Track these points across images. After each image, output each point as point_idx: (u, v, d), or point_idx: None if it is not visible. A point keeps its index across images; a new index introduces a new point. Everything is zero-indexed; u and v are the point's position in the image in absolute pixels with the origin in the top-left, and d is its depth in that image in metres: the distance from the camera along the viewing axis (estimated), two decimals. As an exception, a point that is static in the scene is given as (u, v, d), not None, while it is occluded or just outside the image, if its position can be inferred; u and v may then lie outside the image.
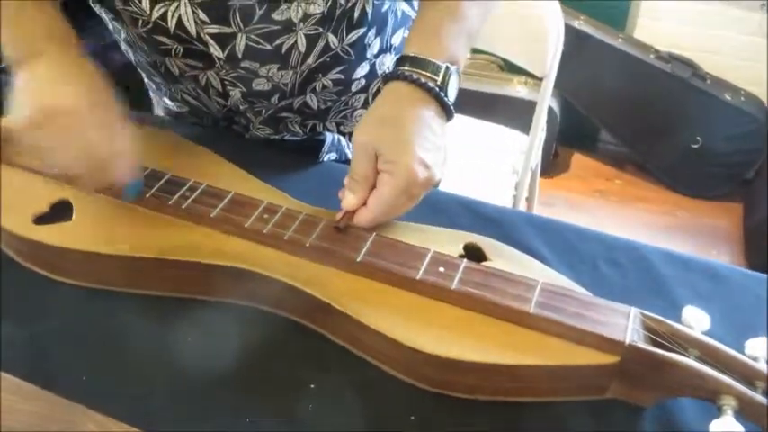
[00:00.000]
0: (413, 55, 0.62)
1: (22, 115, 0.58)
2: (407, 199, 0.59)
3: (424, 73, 0.61)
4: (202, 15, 0.66)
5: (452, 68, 0.62)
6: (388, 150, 0.58)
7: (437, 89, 0.60)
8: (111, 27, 0.79)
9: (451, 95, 0.62)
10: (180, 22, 0.67)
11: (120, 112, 0.62)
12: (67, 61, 0.61)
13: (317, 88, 0.77)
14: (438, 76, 0.61)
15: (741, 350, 0.51)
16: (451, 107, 0.62)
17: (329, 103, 0.81)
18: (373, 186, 0.59)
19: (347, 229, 0.59)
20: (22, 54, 0.60)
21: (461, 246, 0.60)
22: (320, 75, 0.75)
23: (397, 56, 0.81)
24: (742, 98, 1.96)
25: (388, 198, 0.58)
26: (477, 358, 0.51)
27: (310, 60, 0.73)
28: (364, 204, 0.60)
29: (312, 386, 0.54)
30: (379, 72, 0.82)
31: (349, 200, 0.60)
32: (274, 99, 0.76)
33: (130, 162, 0.61)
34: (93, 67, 0.62)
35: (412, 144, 0.58)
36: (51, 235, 0.61)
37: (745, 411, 0.48)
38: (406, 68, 0.61)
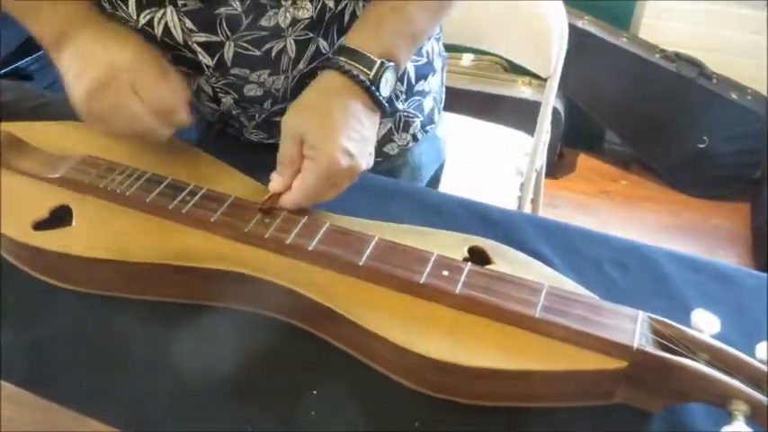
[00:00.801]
0: (350, 47, 0.63)
1: (82, 85, 0.61)
2: (330, 186, 0.61)
3: (357, 66, 0.62)
4: (189, 23, 0.66)
5: (388, 65, 0.63)
6: (312, 137, 0.60)
7: (368, 83, 0.62)
8: None
9: (384, 91, 0.64)
10: (167, 30, 0.67)
11: (166, 59, 0.66)
12: (110, 27, 0.66)
13: None
14: (371, 70, 0.62)
15: (752, 354, 0.50)
16: (383, 101, 0.64)
17: None
18: (299, 171, 0.61)
19: (270, 211, 0.61)
20: (62, 32, 0.63)
21: (465, 249, 0.59)
22: (312, 79, 0.75)
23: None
24: (748, 97, 1.95)
25: (311, 183, 0.60)
26: (481, 363, 0.50)
27: (301, 65, 0.72)
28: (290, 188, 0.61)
29: (315, 392, 0.53)
30: None
31: (275, 182, 0.62)
32: (267, 104, 0.76)
33: (187, 104, 0.66)
34: (132, 29, 0.66)
35: (337, 133, 0.60)
36: (51, 241, 0.60)
37: (757, 417, 0.47)
38: (342, 59, 0.63)
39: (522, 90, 2.04)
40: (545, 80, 1.25)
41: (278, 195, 0.61)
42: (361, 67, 0.62)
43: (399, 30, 0.65)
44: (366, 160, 0.62)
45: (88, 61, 0.62)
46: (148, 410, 0.52)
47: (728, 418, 0.47)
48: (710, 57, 1.98)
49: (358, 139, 0.61)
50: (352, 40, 0.64)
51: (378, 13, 0.66)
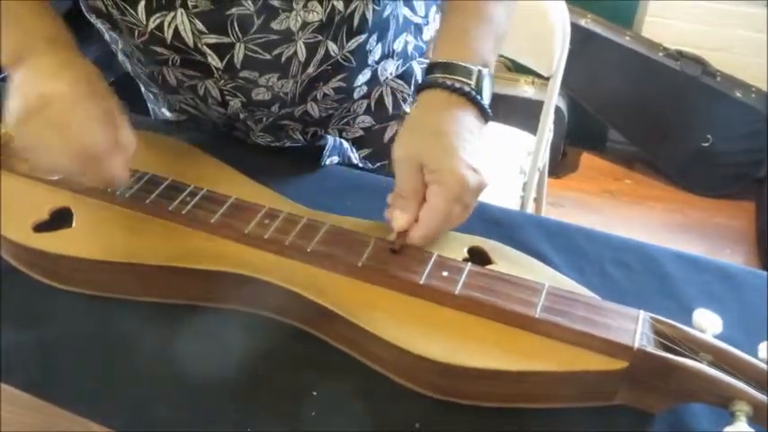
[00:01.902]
0: (444, 61, 0.61)
1: (11, 112, 0.57)
2: (461, 208, 0.57)
3: (458, 78, 0.59)
4: (200, 25, 0.66)
5: (485, 71, 0.61)
6: (432, 160, 0.56)
7: (473, 92, 0.59)
8: (107, 37, 0.78)
9: (486, 98, 0.60)
10: (177, 33, 0.67)
11: (118, 107, 0.60)
12: (63, 56, 0.60)
13: (318, 97, 0.76)
14: (471, 79, 0.59)
15: (754, 354, 0.49)
16: (488, 109, 0.61)
17: (330, 111, 0.80)
18: (423, 201, 0.57)
19: (402, 249, 0.57)
20: (18, 53, 0.60)
21: (465, 249, 0.59)
22: (321, 83, 0.75)
23: (400, 60, 0.81)
24: (752, 95, 1.94)
25: (442, 209, 0.56)
26: (481, 364, 0.50)
27: (311, 69, 0.72)
28: (416, 221, 0.57)
29: (314, 393, 0.53)
30: (381, 78, 0.81)
31: (400, 218, 0.57)
32: (275, 108, 0.76)
33: (126, 158, 0.60)
34: (90, 65, 0.61)
35: (457, 149, 0.56)
36: (51, 242, 0.60)
37: (759, 417, 0.46)
38: (439, 75, 0.60)
39: (525, 89, 2.04)
40: (548, 79, 1.24)
41: (406, 233, 0.57)
42: (461, 79, 0.59)
43: (485, 33, 0.63)
44: (487, 173, 0.58)
45: (24, 88, 0.58)
46: (149, 412, 0.52)
47: (731, 418, 0.46)
48: (714, 55, 1.97)
49: (476, 152, 0.57)
50: (442, 53, 0.62)
51: (460, 22, 0.64)
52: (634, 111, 2.09)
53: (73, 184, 0.60)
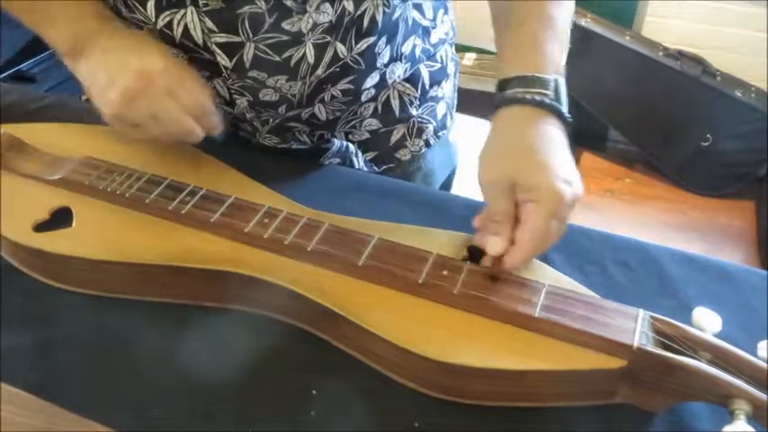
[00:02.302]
0: (520, 75, 0.58)
1: (114, 95, 0.60)
2: (558, 224, 0.54)
3: (537, 90, 0.57)
4: (210, 24, 0.65)
5: (561, 80, 0.59)
6: (526, 178, 0.54)
7: (555, 103, 0.57)
8: None
9: (564, 106, 0.58)
10: (186, 31, 0.66)
11: (187, 65, 0.66)
12: (128, 34, 0.65)
13: (326, 98, 0.76)
14: (549, 89, 0.58)
15: (754, 352, 0.49)
16: (568, 117, 0.58)
17: (338, 113, 0.80)
18: (516, 223, 0.55)
19: (501, 274, 0.55)
20: (80, 41, 0.63)
21: (465, 248, 0.59)
22: (329, 85, 0.74)
23: (408, 63, 0.80)
24: (753, 95, 1.94)
25: (540, 227, 0.53)
26: (480, 364, 0.50)
27: (319, 71, 0.71)
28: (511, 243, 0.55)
29: (314, 392, 0.53)
30: (389, 81, 0.80)
31: (496, 244, 0.54)
32: (282, 109, 0.75)
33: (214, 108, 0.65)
34: (147, 35, 0.66)
35: (549, 164, 0.54)
36: (51, 242, 0.60)
37: (759, 416, 0.46)
38: (518, 90, 0.58)
39: (525, 89, 2.04)
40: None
41: (501, 257, 0.55)
42: (541, 91, 0.57)
43: (552, 38, 0.61)
44: (579, 182, 0.56)
45: (115, 70, 0.61)
46: (149, 412, 0.52)
47: (730, 417, 0.46)
48: (714, 54, 1.97)
49: (567, 163, 0.56)
50: (513, 67, 0.59)
51: (528, 31, 0.61)
52: (634, 110, 2.09)
53: (188, 138, 0.65)
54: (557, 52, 0.60)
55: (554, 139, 0.57)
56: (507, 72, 0.59)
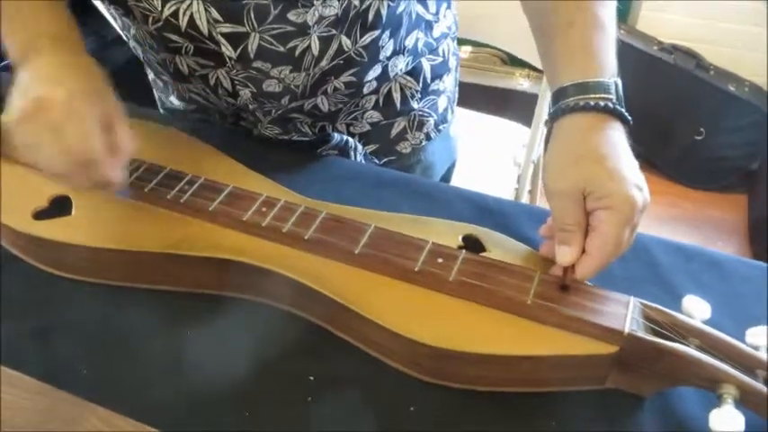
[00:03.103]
0: (579, 82, 0.57)
1: (11, 112, 0.57)
2: (630, 231, 0.54)
3: (598, 96, 0.56)
4: (215, 14, 0.66)
5: (619, 83, 0.58)
6: (598, 186, 0.53)
7: (618, 108, 0.56)
8: (119, 24, 0.78)
9: (624, 107, 0.58)
10: (192, 21, 0.67)
11: (117, 108, 0.60)
12: (65, 58, 0.60)
13: (329, 90, 0.76)
14: (611, 93, 0.57)
15: (742, 339, 0.50)
16: (629, 119, 0.58)
17: (340, 105, 0.80)
18: (587, 231, 0.54)
19: (572, 283, 0.54)
20: (24, 52, 0.60)
21: (460, 237, 0.60)
22: (332, 77, 0.75)
23: (410, 57, 0.80)
24: (746, 89, 1.94)
25: (614, 235, 0.53)
26: (475, 349, 0.51)
27: (323, 63, 0.72)
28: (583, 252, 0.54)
29: (311, 378, 0.54)
30: (391, 74, 0.80)
31: (568, 253, 0.54)
32: (284, 100, 0.76)
33: (122, 162, 0.60)
34: (94, 66, 0.61)
35: (620, 170, 0.54)
36: (51, 230, 0.61)
37: (746, 400, 0.47)
38: (580, 98, 0.57)
39: (521, 82, 2.05)
40: (543, 72, 1.25)
41: (573, 267, 0.54)
42: (602, 96, 0.56)
43: (605, 40, 0.60)
44: (646, 187, 0.55)
45: (24, 89, 0.58)
46: (149, 395, 0.53)
47: (718, 401, 0.47)
48: (708, 49, 1.98)
49: (635, 167, 0.55)
50: (570, 74, 0.58)
51: (579, 35, 0.60)
52: (628, 104, 2.07)
53: (70, 183, 0.60)
54: (610, 55, 0.59)
55: (620, 144, 0.56)
56: (564, 79, 0.58)
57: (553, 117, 0.58)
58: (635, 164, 0.55)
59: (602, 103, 0.56)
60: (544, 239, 0.59)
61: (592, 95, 0.56)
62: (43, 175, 0.64)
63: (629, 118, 0.57)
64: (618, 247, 0.53)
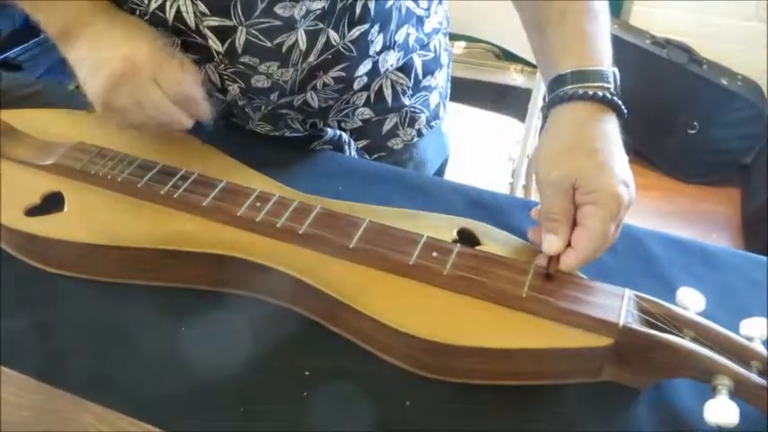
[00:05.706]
0: (575, 71, 0.57)
1: (99, 79, 0.61)
2: (615, 227, 0.54)
3: (597, 84, 0.56)
4: (202, 7, 0.65)
5: (617, 72, 0.58)
6: (587, 180, 0.53)
7: (616, 99, 0.56)
8: None
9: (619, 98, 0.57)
10: (179, 14, 0.66)
11: (183, 54, 0.66)
12: (121, 21, 0.65)
13: (318, 86, 0.76)
14: (609, 82, 0.56)
15: (736, 331, 0.51)
16: (625, 111, 0.57)
17: (330, 102, 0.80)
18: (573, 223, 0.55)
19: (556, 272, 0.54)
20: (71, 24, 0.63)
21: (455, 231, 0.60)
22: (321, 72, 0.74)
23: (401, 52, 0.80)
24: (739, 83, 1.95)
25: (599, 230, 0.53)
26: (470, 342, 0.51)
27: (311, 58, 0.71)
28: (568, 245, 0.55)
29: (306, 373, 0.54)
30: (382, 70, 0.80)
31: (553, 244, 0.54)
32: (274, 96, 0.75)
33: (202, 93, 0.66)
34: (142, 21, 0.66)
35: (610, 166, 0.54)
36: (43, 227, 0.61)
37: (740, 391, 0.48)
38: (578, 86, 0.56)
39: (514, 77, 2.05)
40: (536, 67, 1.25)
41: (558, 257, 0.55)
42: (600, 85, 0.56)
43: (600, 31, 0.59)
44: (633, 183, 0.55)
45: (104, 54, 0.62)
46: (146, 392, 0.53)
47: (712, 392, 0.48)
48: (701, 43, 1.98)
49: (625, 163, 0.55)
50: (567, 63, 0.58)
51: (574, 25, 0.59)
52: (621, 98, 2.10)
53: (173, 126, 0.65)
54: (606, 43, 0.59)
55: (613, 137, 0.56)
56: (561, 68, 0.58)
57: (550, 105, 0.58)
58: (625, 159, 0.56)
59: (600, 93, 0.56)
60: (536, 222, 0.59)
61: (590, 84, 0.56)
62: (37, 164, 0.65)
63: (625, 111, 0.57)
64: (603, 242, 0.54)
